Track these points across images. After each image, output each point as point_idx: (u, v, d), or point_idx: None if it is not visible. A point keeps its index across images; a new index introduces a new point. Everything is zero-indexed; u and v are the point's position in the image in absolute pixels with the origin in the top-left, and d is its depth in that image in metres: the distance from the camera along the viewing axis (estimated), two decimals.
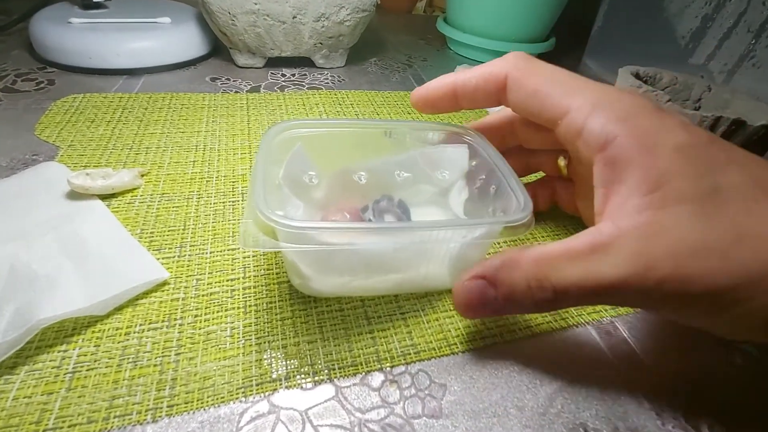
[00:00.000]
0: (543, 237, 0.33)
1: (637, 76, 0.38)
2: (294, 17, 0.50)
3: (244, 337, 0.23)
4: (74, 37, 0.50)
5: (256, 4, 0.48)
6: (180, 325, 0.24)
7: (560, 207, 0.34)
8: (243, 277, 0.27)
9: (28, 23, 0.52)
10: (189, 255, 0.28)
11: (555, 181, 0.32)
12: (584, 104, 0.21)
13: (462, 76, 0.26)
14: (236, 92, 0.50)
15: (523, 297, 0.18)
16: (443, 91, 0.27)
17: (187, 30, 0.55)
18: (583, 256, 0.17)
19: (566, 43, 0.79)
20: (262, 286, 0.26)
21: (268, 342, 0.23)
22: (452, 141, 0.30)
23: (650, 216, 0.17)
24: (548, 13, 0.67)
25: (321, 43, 0.55)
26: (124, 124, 0.41)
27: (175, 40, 0.53)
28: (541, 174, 0.34)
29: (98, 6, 0.56)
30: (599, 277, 0.17)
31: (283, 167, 0.27)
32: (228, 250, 0.29)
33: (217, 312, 0.25)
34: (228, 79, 0.53)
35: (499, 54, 0.70)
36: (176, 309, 0.25)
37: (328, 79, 0.57)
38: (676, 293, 0.16)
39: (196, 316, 0.24)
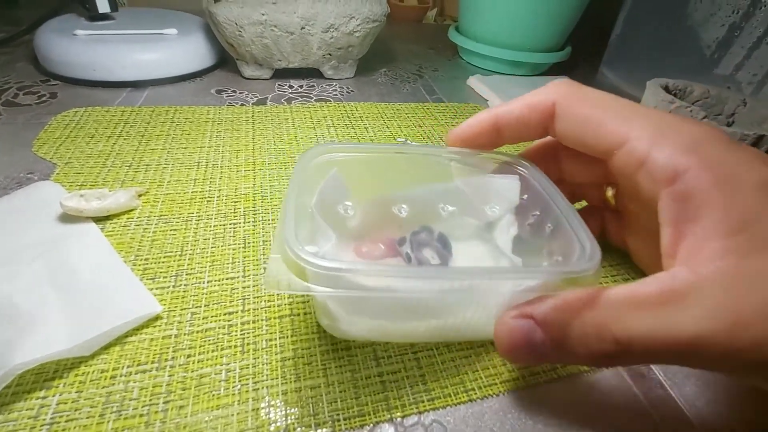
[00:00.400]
0: None
1: (666, 89, 0.36)
2: (302, 28, 0.49)
3: (240, 381, 0.21)
4: (79, 49, 0.49)
5: (263, 14, 0.47)
6: (171, 366, 0.22)
7: (608, 239, 0.31)
8: (242, 311, 0.25)
9: (33, 35, 0.52)
10: (185, 285, 0.26)
11: (603, 211, 0.30)
12: (645, 132, 0.19)
13: (503, 108, 0.24)
14: (242, 105, 0.48)
15: (578, 345, 0.16)
16: (483, 126, 0.25)
17: (194, 41, 0.53)
18: (655, 305, 0.15)
19: (583, 51, 0.77)
20: (261, 320, 0.24)
21: (267, 387, 0.21)
22: (502, 171, 0.27)
23: (736, 263, 0.15)
24: (565, 20, 0.65)
25: (330, 54, 0.53)
26: (125, 139, 0.40)
27: (181, 51, 0.52)
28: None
29: (105, 18, 0.55)
30: (675, 332, 0.14)
31: (317, 194, 0.24)
32: (227, 279, 0.27)
33: (212, 351, 0.23)
34: (234, 92, 0.51)
35: (512, 64, 0.68)
36: (168, 348, 0.23)
37: (336, 90, 0.55)
38: None
39: (188, 356, 0.22)
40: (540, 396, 0.23)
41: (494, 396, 0.22)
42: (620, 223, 0.29)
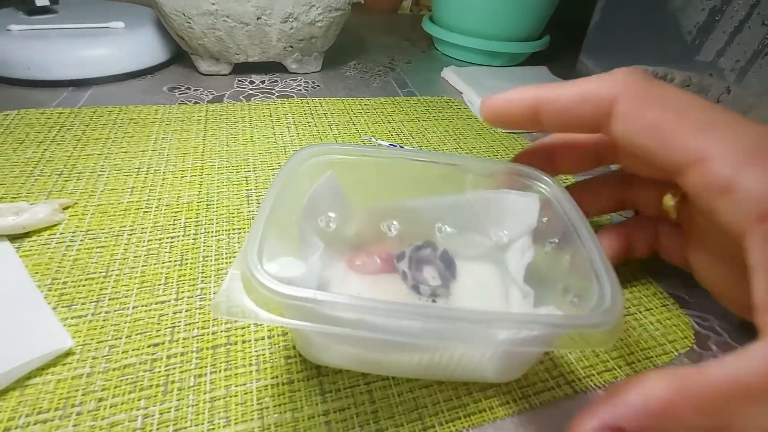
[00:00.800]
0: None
1: None
2: (258, 18, 0.45)
3: (158, 428, 0.18)
4: (12, 46, 0.44)
5: (213, 4, 0.43)
6: (77, 414, 0.18)
7: (662, 256, 0.27)
8: (169, 341, 0.22)
9: None
10: (105, 312, 0.23)
11: (657, 223, 0.26)
12: (730, 151, 0.15)
13: (549, 91, 0.21)
14: (195, 103, 0.44)
15: None
16: (522, 105, 0.22)
17: (143, 35, 0.49)
18: None
19: (561, 40, 0.75)
20: (192, 352, 0.21)
21: None
22: (521, 186, 0.24)
23: None
24: (541, 8, 0.62)
25: (291, 47, 0.50)
26: (58, 144, 0.36)
27: (129, 46, 0.48)
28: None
29: (45, 11, 0.50)
30: None
31: (307, 198, 0.22)
32: (156, 303, 0.23)
33: (129, 393, 0.19)
34: (188, 89, 0.48)
35: (489, 54, 0.65)
36: (76, 390, 0.19)
37: (301, 85, 0.51)
38: None
39: (100, 400, 0.19)
40: (513, 427, 0.20)
41: None
42: (681, 238, 0.25)
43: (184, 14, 0.43)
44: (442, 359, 0.20)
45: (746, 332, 0.26)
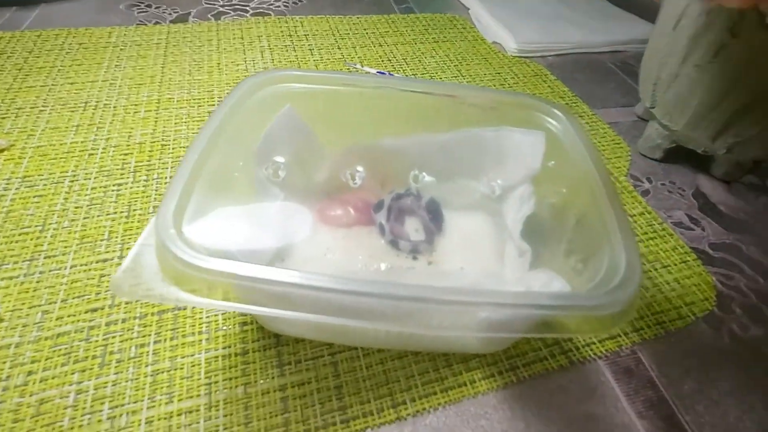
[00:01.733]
0: None
1: None
2: None
3: (92, 406, 0.16)
4: None
5: None
6: (3, 390, 0.16)
7: None
8: (110, 306, 0.19)
9: None
10: (40, 272, 0.20)
11: None
12: None
13: None
14: (156, 23, 0.38)
15: None
16: None
17: None
18: None
19: None
20: (134, 318, 0.19)
21: (127, 414, 0.16)
22: (525, 122, 0.20)
23: None
24: None
25: None
26: None
27: None
28: None
29: None
30: None
31: (262, 138, 0.19)
32: (97, 261, 0.21)
33: (62, 366, 0.17)
34: (149, 6, 0.41)
35: None
36: (3, 363, 0.17)
37: (280, 1, 0.44)
38: None
39: (29, 373, 0.17)
40: (494, 404, 0.17)
41: (431, 411, 0.17)
42: None
43: None
44: (422, 330, 0.17)
45: None
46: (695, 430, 0.17)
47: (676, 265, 0.23)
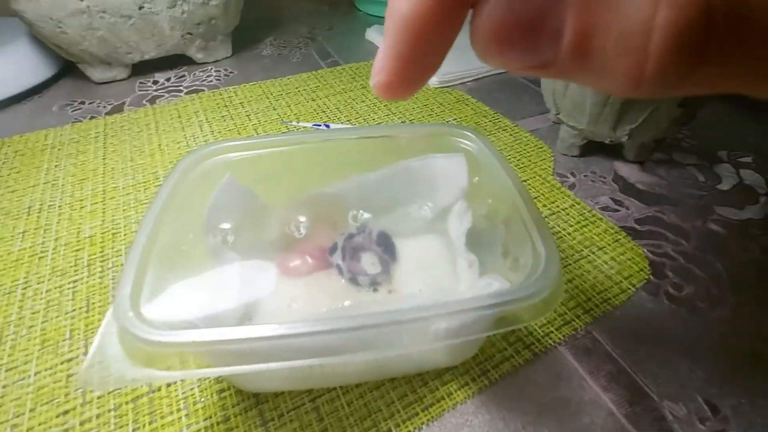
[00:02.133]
0: None
1: None
2: (140, 8, 0.39)
3: None
4: None
5: (81, 0, 0.37)
6: None
7: None
8: (81, 404, 0.19)
9: None
10: (3, 386, 0.20)
11: None
12: None
13: None
14: (92, 118, 0.39)
15: (634, 39, 0.07)
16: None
17: (17, 52, 0.43)
18: None
19: None
20: (109, 411, 0.19)
21: None
22: (446, 147, 0.22)
23: None
24: None
25: (190, 34, 0.44)
26: None
27: (2, 67, 0.42)
28: None
29: None
30: None
31: (208, 209, 0.20)
32: (62, 362, 0.20)
33: None
34: (83, 103, 0.42)
35: None
36: None
37: (212, 76, 0.46)
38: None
39: None
40: (473, 410, 0.18)
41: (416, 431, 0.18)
42: None
43: (51, 18, 0.37)
44: (386, 356, 0.18)
45: (699, 250, 0.26)
46: (654, 389, 0.19)
47: (609, 245, 0.26)
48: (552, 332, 0.21)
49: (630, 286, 0.23)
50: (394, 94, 0.10)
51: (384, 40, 0.10)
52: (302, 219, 0.22)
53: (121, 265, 0.25)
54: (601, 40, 0.07)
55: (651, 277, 0.24)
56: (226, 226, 0.20)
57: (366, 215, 0.23)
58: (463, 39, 0.10)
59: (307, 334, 0.13)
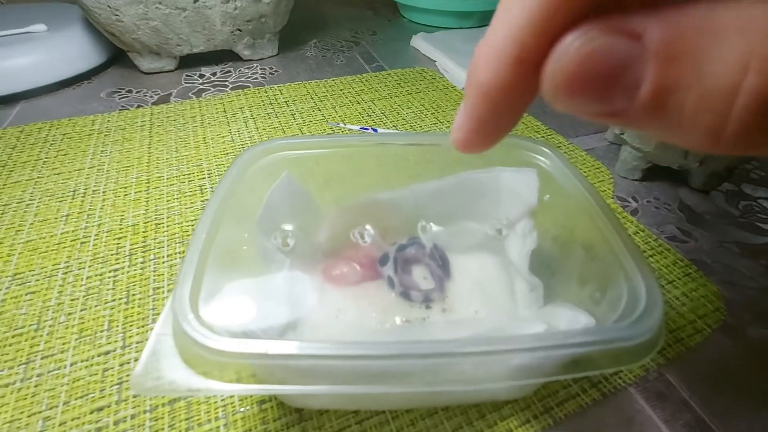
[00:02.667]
0: None
1: None
2: (195, 1, 0.40)
3: None
4: None
5: None
6: None
7: None
8: (117, 402, 0.18)
9: None
10: (38, 375, 0.19)
11: None
12: None
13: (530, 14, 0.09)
14: (138, 107, 0.39)
15: (717, 102, 0.07)
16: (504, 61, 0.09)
17: (71, 37, 0.43)
18: None
19: None
20: (144, 412, 0.18)
21: None
22: (515, 161, 0.21)
23: None
24: None
25: (239, 30, 0.44)
26: None
27: (56, 51, 0.42)
28: None
29: None
30: None
31: (262, 206, 0.19)
32: (99, 355, 0.20)
33: None
34: (130, 92, 0.42)
35: (459, 15, 0.60)
36: None
37: (257, 73, 0.46)
38: None
39: None
40: None
41: None
42: None
43: (108, 6, 0.38)
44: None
45: None
46: None
47: (680, 279, 0.24)
48: (621, 371, 0.19)
49: (705, 326, 0.21)
50: (472, 149, 0.11)
51: (464, 101, 0.10)
52: (368, 227, 0.21)
53: (165, 257, 0.24)
54: (681, 97, 0.07)
55: (727, 317, 0.22)
56: (288, 227, 0.19)
57: (435, 227, 0.21)
58: None
59: (366, 357, 0.12)
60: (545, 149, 0.20)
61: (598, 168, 0.32)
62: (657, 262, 0.25)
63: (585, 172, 0.32)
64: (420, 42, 0.53)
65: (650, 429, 0.17)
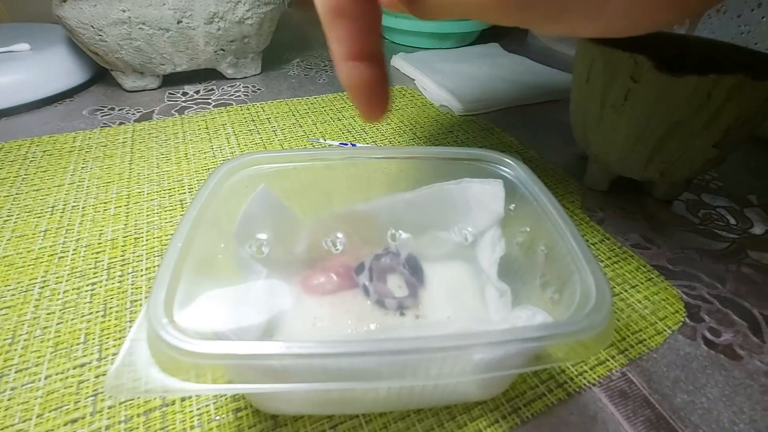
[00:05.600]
0: None
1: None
2: (179, 22, 0.41)
3: None
4: None
5: (124, 11, 0.38)
6: None
7: None
8: (91, 413, 0.18)
9: None
10: (11, 388, 0.19)
11: None
12: None
13: None
14: (120, 124, 0.40)
15: None
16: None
17: (54, 56, 0.44)
18: None
19: None
20: (119, 423, 0.18)
21: None
22: (481, 173, 0.22)
23: None
24: None
25: (223, 50, 0.45)
26: None
27: (39, 70, 0.43)
28: None
29: None
30: None
31: (239, 218, 0.19)
32: (74, 368, 0.20)
33: None
34: (112, 109, 0.43)
35: (438, 37, 0.63)
36: None
37: (240, 91, 0.47)
38: None
39: None
40: None
41: None
42: None
43: (92, 26, 0.39)
44: (414, 386, 0.17)
45: (735, 294, 0.25)
46: None
47: (642, 283, 0.25)
48: (586, 372, 0.20)
49: (666, 328, 0.22)
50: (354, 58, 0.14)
51: (328, 31, 0.14)
52: (339, 235, 0.22)
53: (143, 270, 0.24)
54: None
55: (687, 319, 0.23)
56: (261, 236, 0.20)
57: (405, 235, 0.22)
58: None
59: (337, 354, 0.13)
60: (511, 161, 0.21)
61: (567, 180, 0.34)
62: (621, 268, 0.26)
63: (555, 184, 0.33)
64: (399, 61, 0.55)
65: (611, 425, 0.18)
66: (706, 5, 0.11)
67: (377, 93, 0.15)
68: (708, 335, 0.22)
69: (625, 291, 0.24)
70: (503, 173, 0.21)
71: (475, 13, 0.12)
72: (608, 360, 0.21)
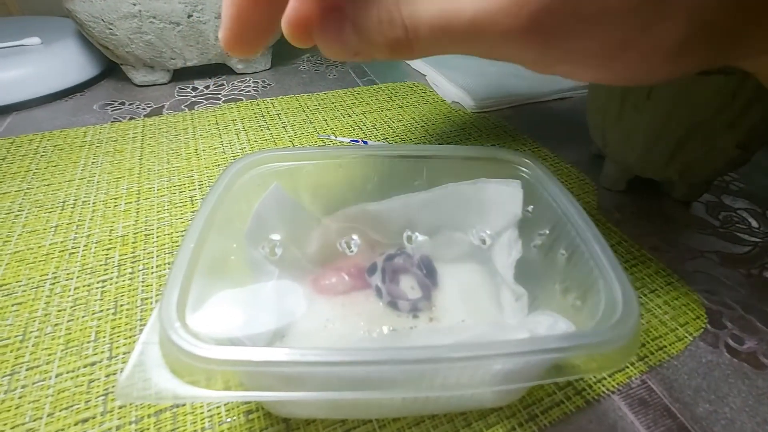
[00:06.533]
0: None
1: None
2: (189, 16, 0.40)
3: None
4: None
5: (135, 4, 0.38)
6: None
7: None
8: (102, 413, 0.18)
9: None
10: (22, 387, 0.19)
11: None
12: None
13: None
14: (131, 119, 0.40)
15: (374, 33, 0.13)
16: None
17: (64, 50, 0.44)
18: None
19: None
20: (130, 423, 0.17)
21: None
22: (499, 173, 0.21)
23: None
24: None
25: None
26: None
27: (50, 64, 0.43)
28: None
29: None
30: (456, 14, 0.12)
31: (251, 218, 0.19)
32: (85, 366, 0.19)
33: None
34: (122, 104, 0.43)
35: None
36: None
37: (250, 86, 0.47)
38: (559, 23, 0.11)
39: None
40: None
41: None
42: None
43: (103, 20, 0.38)
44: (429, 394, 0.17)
45: (758, 300, 0.24)
46: None
47: (662, 288, 0.24)
48: (605, 379, 0.20)
49: (686, 335, 0.22)
50: (234, 49, 0.14)
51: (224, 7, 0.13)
52: (354, 237, 0.21)
53: (154, 267, 0.24)
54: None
55: (708, 326, 0.22)
56: (275, 237, 0.20)
57: (421, 237, 0.22)
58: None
59: (352, 363, 0.12)
60: (529, 161, 0.21)
61: (582, 180, 0.33)
62: (640, 271, 0.25)
63: (570, 184, 0.33)
64: None
65: None
66: (721, 61, 0.12)
67: (255, 19, 0.14)
68: (731, 342, 0.22)
69: (645, 295, 0.24)
70: (521, 173, 0.21)
71: (484, 44, 0.12)
72: (628, 367, 0.20)
